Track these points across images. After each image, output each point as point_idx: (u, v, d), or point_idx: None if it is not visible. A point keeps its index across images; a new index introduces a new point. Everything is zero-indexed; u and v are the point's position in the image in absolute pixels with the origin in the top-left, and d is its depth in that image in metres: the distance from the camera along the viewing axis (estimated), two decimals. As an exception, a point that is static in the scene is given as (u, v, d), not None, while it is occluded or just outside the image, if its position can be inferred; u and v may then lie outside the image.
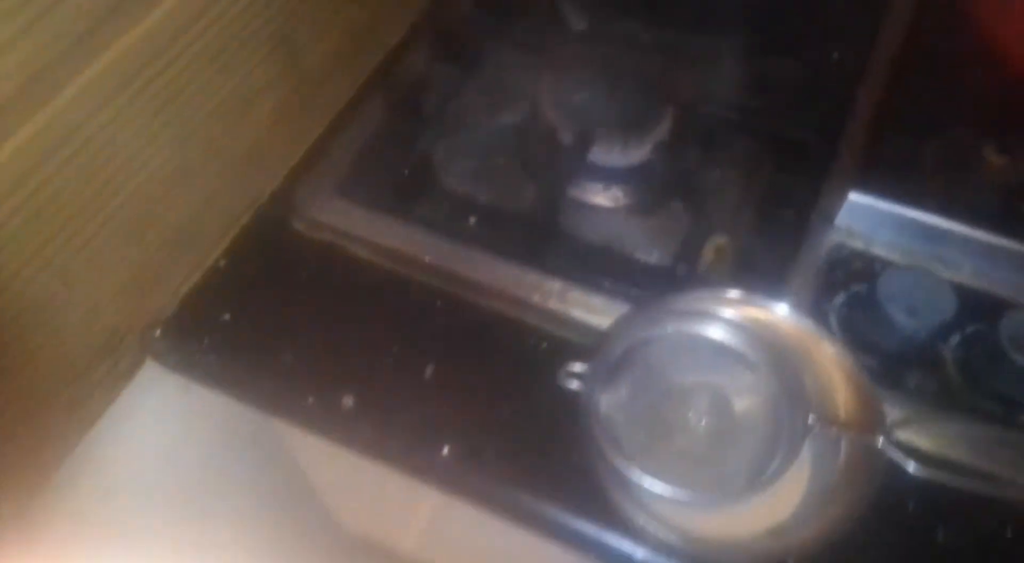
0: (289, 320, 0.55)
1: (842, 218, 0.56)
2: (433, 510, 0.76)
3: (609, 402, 0.43)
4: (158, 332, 0.54)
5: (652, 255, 0.57)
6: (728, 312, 0.45)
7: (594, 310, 0.53)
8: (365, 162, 0.60)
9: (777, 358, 0.43)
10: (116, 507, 0.57)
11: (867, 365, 0.51)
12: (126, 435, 0.54)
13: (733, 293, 0.46)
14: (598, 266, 0.55)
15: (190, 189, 0.52)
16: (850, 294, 0.53)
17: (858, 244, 0.55)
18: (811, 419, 0.41)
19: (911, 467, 0.40)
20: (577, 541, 0.48)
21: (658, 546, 0.44)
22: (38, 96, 0.40)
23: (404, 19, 0.67)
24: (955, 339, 0.51)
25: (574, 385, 0.43)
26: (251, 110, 0.55)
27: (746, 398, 0.43)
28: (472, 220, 0.58)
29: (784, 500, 0.42)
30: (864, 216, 0.55)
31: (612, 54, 0.63)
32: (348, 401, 0.51)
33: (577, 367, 0.43)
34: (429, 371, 0.53)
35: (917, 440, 0.44)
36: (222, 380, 0.54)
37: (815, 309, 0.53)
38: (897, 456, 0.40)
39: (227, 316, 0.55)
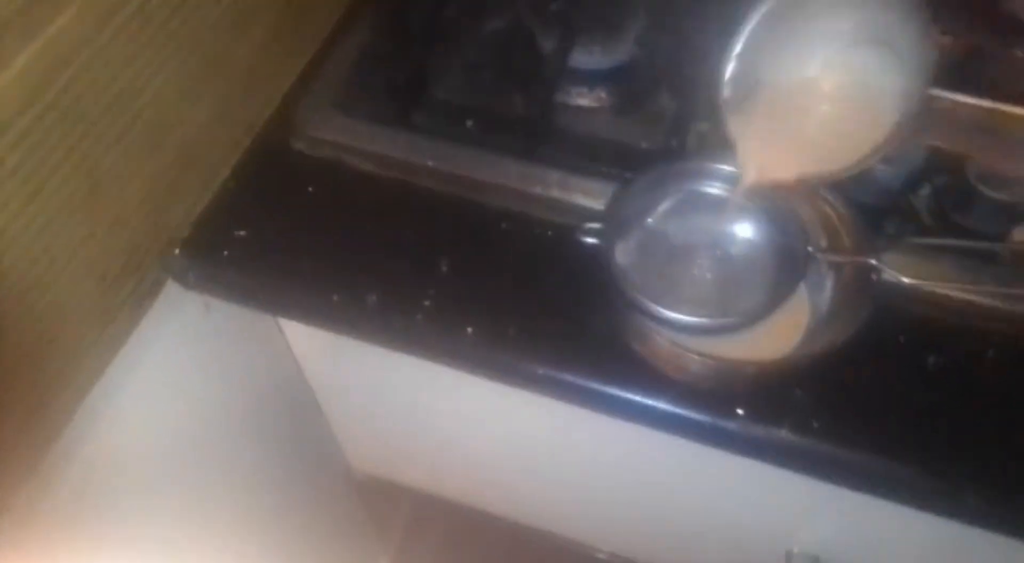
0: (303, 232, 0.57)
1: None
2: (442, 445, 0.79)
3: (622, 257, 0.46)
4: (177, 250, 0.55)
5: (642, 144, 0.61)
6: (722, 170, 0.49)
7: (594, 195, 0.56)
8: (358, 78, 0.62)
9: (771, 204, 0.47)
10: (141, 433, 0.59)
11: (849, 220, 0.56)
12: (150, 359, 0.55)
13: (724, 157, 0.49)
14: (593, 156, 0.58)
15: (197, 104, 0.54)
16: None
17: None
18: (811, 249, 0.45)
19: (906, 280, 0.44)
20: (604, 401, 0.51)
21: (680, 389, 0.48)
22: (50, 5, 0.42)
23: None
24: (925, 190, 0.56)
25: (591, 239, 0.46)
26: (247, 30, 0.57)
27: (747, 243, 0.47)
28: (469, 123, 0.60)
29: (790, 330, 0.46)
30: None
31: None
32: (372, 298, 0.53)
33: (593, 225, 0.46)
34: (444, 265, 0.55)
35: (905, 264, 0.48)
36: (245, 291, 0.56)
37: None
38: (891, 273, 0.44)
39: (243, 232, 0.56)
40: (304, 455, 0.84)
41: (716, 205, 0.48)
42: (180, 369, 0.60)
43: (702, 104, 0.62)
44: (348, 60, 0.63)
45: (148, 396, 0.58)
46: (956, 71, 0.62)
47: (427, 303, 0.53)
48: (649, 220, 0.48)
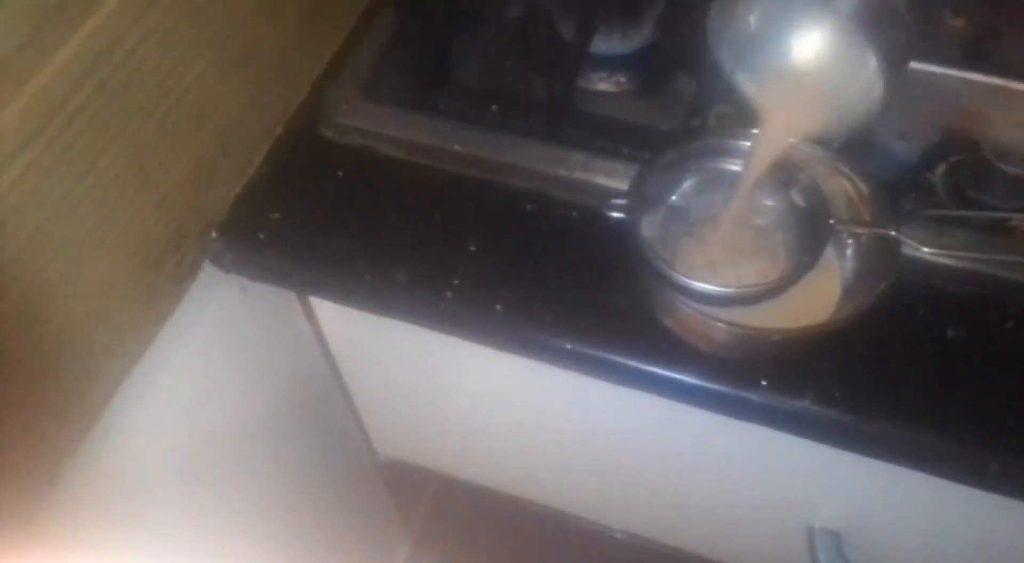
0: (335, 214, 0.58)
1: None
2: (467, 427, 0.80)
3: (648, 231, 0.48)
4: (214, 233, 0.57)
5: (662, 126, 0.62)
6: (744, 147, 0.50)
7: (617, 175, 0.58)
8: (384, 65, 0.64)
9: (794, 179, 0.48)
10: (176, 416, 0.60)
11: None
12: (187, 341, 0.57)
13: (748, 133, 0.51)
14: (615, 138, 0.60)
15: (233, 90, 0.55)
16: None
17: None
18: (832, 221, 0.46)
19: (926, 250, 0.46)
20: (629, 375, 0.53)
21: (705, 360, 0.49)
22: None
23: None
24: (941, 168, 0.57)
25: (617, 214, 0.47)
26: (278, 18, 0.58)
27: (769, 216, 0.48)
28: (493, 108, 0.62)
29: (812, 300, 0.47)
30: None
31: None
32: (402, 276, 0.55)
33: (619, 200, 0.47)
34: (472, 245, 0.57)
35: (923, 237, 0.49)
36: (280, 272, 0.57)
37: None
38: (911, 244, 0.45)
39: (277, 215, 0.58)
40: (330, 440, 0.85)
41: (736, 182, 0.49)
42: (215, 352, 0.62)
43: (722, 86, 0.63)
44: (374, 47, 0.64)
45: (184, 378, 0.59)
46: (970, 51, 0.64)
47: (456, 281, 0.55)
48: (673, 196, 0.49)
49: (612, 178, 0.58)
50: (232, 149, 0.57)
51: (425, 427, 0.84)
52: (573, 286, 0.54)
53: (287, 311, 0.68)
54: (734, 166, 0.50)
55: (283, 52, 0.60)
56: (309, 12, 0.61)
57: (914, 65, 0.59)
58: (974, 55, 0.61)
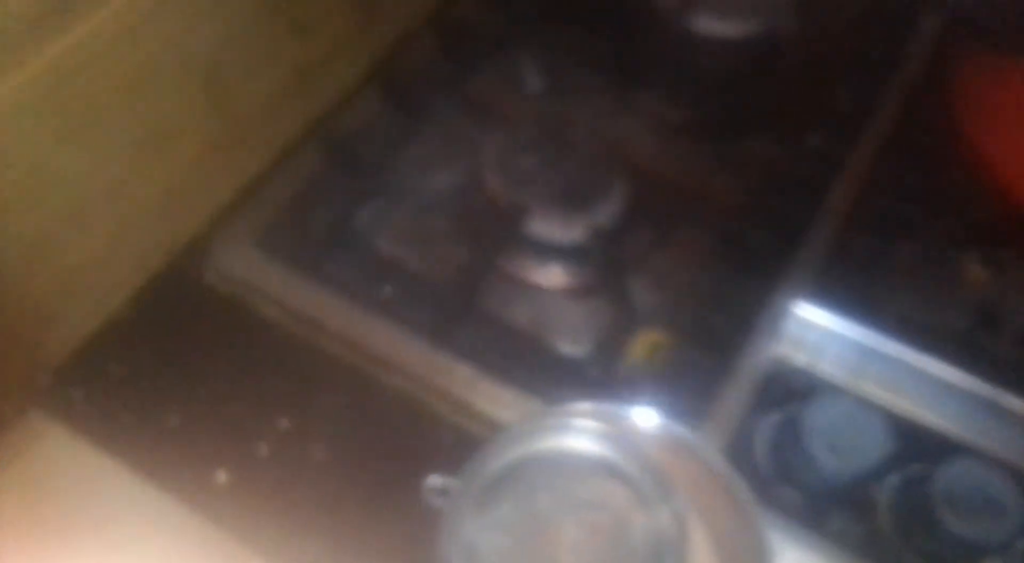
0: (184, 379, 0.51)
1: (789, 328, 0.50)
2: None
3: (478, 526, 0.39)
4: (44, 379, 0.51)
5: (578, 345, 0.53)
6: (620, 430, 0.41)
7: (501, 403, 0.49)
8: (291, 214, 0.57)
9: (668, 491, 0.39)
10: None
11: (790, 500, 0.46)
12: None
13: (612, 409, 0.41)
14: (514, 354, 0.51)
15: (92, 229, 0.49)
16: (784, 416, 0.48)
17: (802, 359, 0.50)
18: (687, 577, 0.36)
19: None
20: None
21: None
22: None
23: (357, 62, 0.63)
24: (892, 480, 0.46)
25: (437, 503, 0.38)
26: (170, 149, 0.52)
27: (632, 532, 0.38)
28: (388, 289, 0.54)
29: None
30: (813, 329, 0.50)
31: (568, 118, 0.59)
32: (222, 476, 0.48)
33: (441, 482, 0.39)
34: (317, 451, 0.49)
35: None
36: (101, 435, 0.51)
37: (743, 429, 0.48)
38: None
39: (120, 369, 0.52)
40: None
41: (602, 475, 0.40)
42: (38, 490, 0.56)
43: (658, 311, 0.54)
44: (285, 191, 0.57)
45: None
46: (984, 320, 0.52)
47: (280, 499, 0.47)
48: (517, 483, 0.40)
49: (495, 405, 0.49)
50: (85, 290, 0.51)
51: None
52: (409, 551, 0.45)
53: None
54: (597, 452, 0.40)
55: (176, 184, 0.54)
56: (216, 143, 0.55)
57: (893, 345, 0.49)
58: (978, 347, 0.49)
